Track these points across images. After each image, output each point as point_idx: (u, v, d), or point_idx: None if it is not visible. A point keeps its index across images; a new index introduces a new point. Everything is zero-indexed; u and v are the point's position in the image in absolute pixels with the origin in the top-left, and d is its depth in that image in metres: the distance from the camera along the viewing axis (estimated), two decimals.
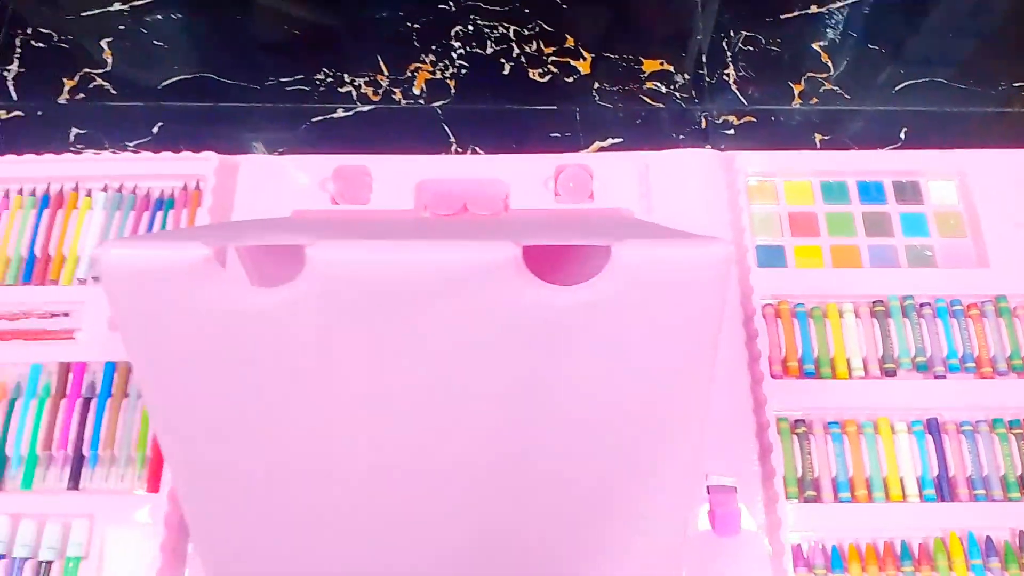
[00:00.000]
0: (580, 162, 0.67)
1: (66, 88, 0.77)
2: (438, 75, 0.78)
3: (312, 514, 0.47)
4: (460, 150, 0.74)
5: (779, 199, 0.68)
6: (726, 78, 0.77)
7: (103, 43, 0.79)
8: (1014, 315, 0.62)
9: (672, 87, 0.77)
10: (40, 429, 0.59)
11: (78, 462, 0.59)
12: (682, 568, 0.51)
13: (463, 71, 0.78)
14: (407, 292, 0.38)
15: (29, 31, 0.79)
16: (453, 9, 0.81)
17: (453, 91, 0.77)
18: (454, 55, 0.78)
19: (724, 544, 0.57)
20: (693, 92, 0.76)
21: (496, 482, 0.44)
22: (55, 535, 0.57)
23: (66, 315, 0.63)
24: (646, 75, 0.78)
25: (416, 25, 0.80)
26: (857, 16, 0.81)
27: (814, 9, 0.81)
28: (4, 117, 0.75)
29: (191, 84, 0.77)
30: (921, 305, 0.62)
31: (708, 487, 0.58)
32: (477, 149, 0.74)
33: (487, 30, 0.79)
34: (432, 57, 0.78)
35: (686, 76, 0.77)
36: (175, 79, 0.77)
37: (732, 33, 0.79)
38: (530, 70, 0.78)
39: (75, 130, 0.74)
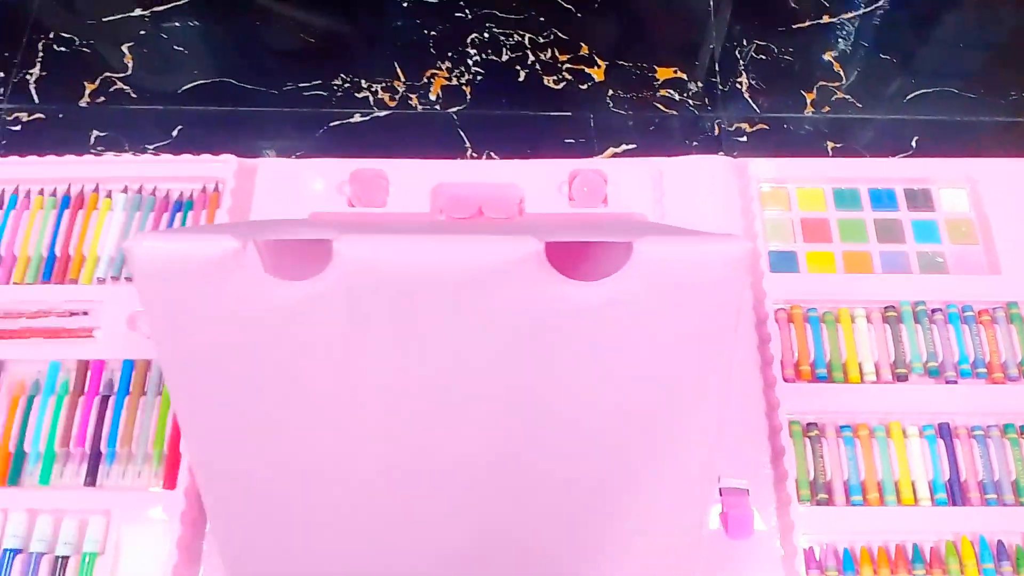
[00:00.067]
0: (594, 167, 0.68)
1: (87, 92, 0.78)
2: (454, 81, 0.79)
3: (329, 511, 0.47)
4: (475, 155, 0.75)
5: (791, 205, 0.68)
6: (739, 86, 0.78)
7: (124, 48, 0.80)
8: None
9: (685, 95, 0.78)
10: (58, 426, 0.60)
11: (95, 459, 0.60)
12: (696, 570, 0.52)
13: (479, 78, 0.79)
14: (431, 285, 0.38)
15: (51, 35, 0.80)
16: (469, 17, 0.82)
17: (469, 97, 0.78)
18: (470, 62, 0.79)
19: (736, 546, 0.57)
20: (706, 100, 0.77)
21: (514, 478, 0.45)
22: (72, 531, 0.57)
23: (85, 314, 0.64)
24: (659, 83, 0.78)
25: (433, 33, 0.81)
26: (868, 27, 0.82)
27: (826, 19, 0.82)
28: (26, 119, 0.76)
29: (210, 89, 0.78)
30: (933, 311, 0.63)
31: (720, 489, 0.58)
32: (492, 154, 0.75)
33: (503, 38, 0.80)
34: (448, 64, 0.79)
35: (699, 84, 0.78)
36: (194, 84, 0.78)
37: (745, 42, 0.80)
38: (545, 77, 0.79)
39: (95, 133, 0.75)
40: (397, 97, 0.78)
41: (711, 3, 0.82)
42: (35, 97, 0.77)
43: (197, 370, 0.41)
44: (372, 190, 0.68)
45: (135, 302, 0.63)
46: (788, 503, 0.56)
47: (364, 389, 0.41)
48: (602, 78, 0.79)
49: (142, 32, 0.81)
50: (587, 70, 0.79)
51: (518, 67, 0.79)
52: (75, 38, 0.80)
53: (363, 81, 0.78)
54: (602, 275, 0.40)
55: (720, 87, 0.78)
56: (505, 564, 0.48)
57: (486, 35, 0.81)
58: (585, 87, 0.78)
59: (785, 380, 0.60)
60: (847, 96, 0.78)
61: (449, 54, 0.80)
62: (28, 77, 0.78)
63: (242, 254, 0.38)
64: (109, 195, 0.68)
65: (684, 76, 0.79)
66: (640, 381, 0.41)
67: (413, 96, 0.78)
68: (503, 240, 0.38)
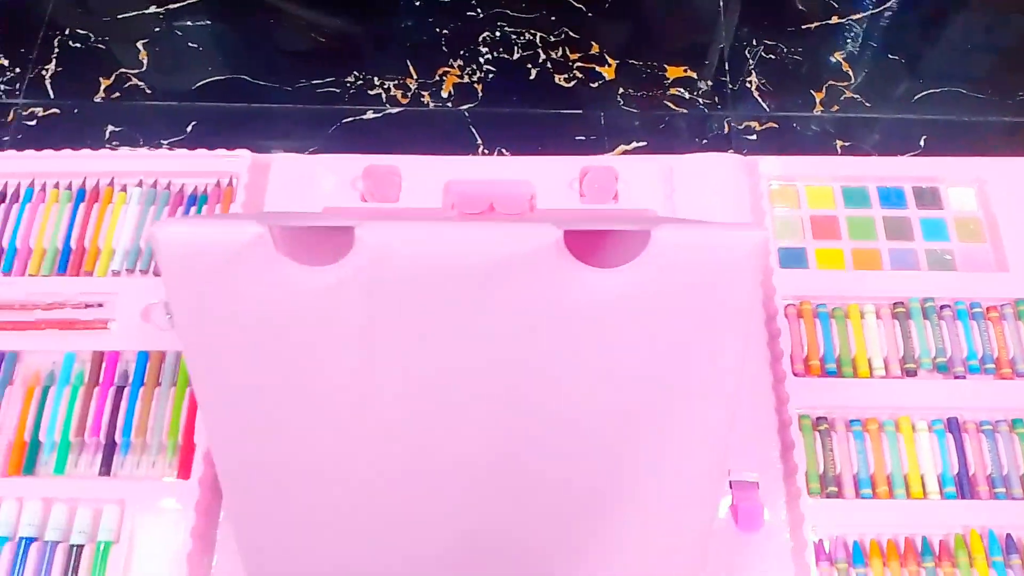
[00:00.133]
0: (605, 164, 0.68)
1: (102, 87, 0.78)
2: (466, 79, 0.79)
3: (346, 499, 0.47)
4: (487, 152, 0.76)
5: (801, 203, 0.69)
6: (748, 85, 0.79)
7: (138, 44, 0.81)
8: None
9: (695, 93, 0.79)
10: (73, 416, 0.60)
11: (110, 449, 0.60)
12: (707, 561, 0.52)
13: (490, 75, 0.79)
14: (452, 271, 0.39)
15: (66, 32, 0.81)
16: (481, 16, 0.83)
17: (480, 95, 0.79)
18: (481, 60, 0.80)
19: (746, 539, 0.58)
20: (716, 98, 0.78)
21: (530, 468, 0.45)
22: (86, 520, 0.57)
23: (100, 306, 0.64)
24: (669, 81, 0.79)
25: (445, 31, 0.82)
26: (876, 28, 0.83)
27: (834, 20, 0.83)
28: (41, 114, 0.77)
29: (224, 85, 0.79)
30: (941, 307, 0.63)
31: (730, 482, 0.59)
32: (504, 151, 0.75)
33: (514, 36, 0.81)
34: (460, 62, 0.80)
35: (709, 83, 0.79)
36: (208, 80, 0.79)
37: (754, 42, 0.81)
38: (556, 75, 0.79)
39: (110, 128, 0.76)
40: (409, 94, 0.78)
41: (720, 4, 0.83)
42: (50, 92, 0.78)
43: (219, 355, 0.41)
44: (385, 186, 0.69)
45: (150, 294, 0.64)
46: (798, 496, 0.57)
47: (384, 373, 0.42)
48: (612, 77, 0.80)
49: (156, 29, 0.82)
50: (598, 69, 0.80)
51: (529, 65, 0.80)
52: (90, 35, 0.81)
53: (375, 78, 0.79)
54: (618, 265, 0.40)
55: (730, 86, 0.79)
56: (523, 553, 0.48)
57: (497, 34, 0.81)
58: (595, 85, 0.79)
59: (795, 375, 0.61)
60: (856, 96, 0.78)
61: (461, 52, 0.81)
62: (44, 73, 0.79)
63: (267, 239, 0.38)
64: (124, 189, 0.69)
65: (694, 75, 0.80)
66: (657, 370, 0.42)
67: (425, 93, 0.79)
68: (523, 227, 0.38)
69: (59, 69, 0.79)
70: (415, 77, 0.79)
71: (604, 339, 0.41)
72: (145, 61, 0.80)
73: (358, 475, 0.46)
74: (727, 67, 0.80)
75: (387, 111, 0.78)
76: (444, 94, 0.79)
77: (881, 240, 0.67)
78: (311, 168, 0.69)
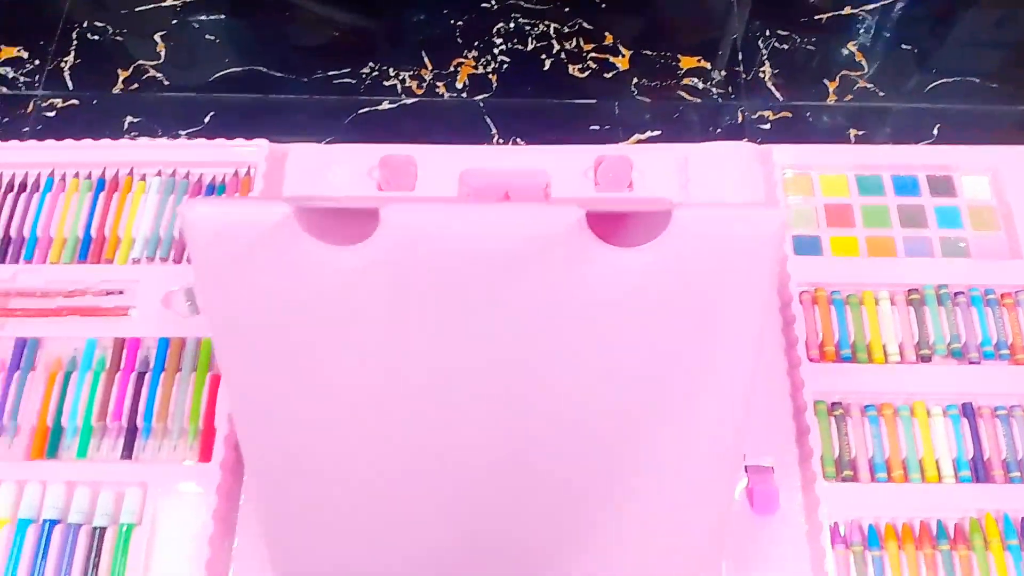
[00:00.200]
0: (620, 153, 0.69)
1: (120, 79, 0.79)
2: (480, 70, 0.80)
3: (367, 485, 0.47)
4: (502, 142, 0.76)
5: (815, 192, 0.69)
6: (761, 75, 0.79)
7: (156, 37, 0.81)
8: None
9: (709, 83, 0.79)
10: (95, 401, 0.61)
11: (131, 433, 0.61)
12: (724, 543, 0.52)
13: (504, 66, 0.80)
14: (477, 252, 0.39)
15: (85, 24, 0.82)
16: (495, 8, 0.83)
17: (495, 85, 0.79)
18: (496, 51, 0.81)
19: (762, 522, 0.58)
20: (729, 88, 0.78)
21: (553, 448, 0.45)
22: (109, 502, 0.58)
23: (120, 293, 0.65)
24: (683, 71, 0.80)
25: (459, 23, 0.82)
26: (888, 18, 0.83)
27: (847, 11, 0.83)
28: (60, 105, 0.78)
29: (241, 77, 0.80)
30: (956, 294, 0.64)
31: (746, 467, 0.59)
32: (518, 141, 0.76)
33: (528, 27, 0.82)
34: (475, 53, 0.81)
35: (722, 73, 0.79)
36: (225, 72, 0.80)
37: (767, 33, 0.81)
38: (570, 66, 0.80)
39: (129, 118, 0.77)
40: (424, 85, 0.79)
41: None
42: (69, 84, 0.79)
43: (246, 333, 0.42)
44: (401, 175, 0.69)
45: (170, 282, 0.64)
46: (813, 480, 0.57)
47: (410, 354, 0.42)
48: (626, 67, 0.80)
49: (173, 22, 0.82)
50: (611, 59, 0.80)
51: (543, 56, 0.81)
52: (108, 27, 0.82)
53: (391, 69, 0.80)
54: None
55: (743, 76, 0.79)
56: (545, 539, 0.49)
57: (512, 25, 0.82)
58: (609, 76, 0.80)
59: (810, 360, 0.61)
60: (869, 85, 0.79)
61: (475, 43, 0.81)
62: (63, 65, 0.80)
63: (294, 220, 0.39)
64: (143, 178, 0.69)
65: (707, 65, 0.80)
66: (679, 349, 0.42)
67: (440, 84, 0.79)
68: (546, 208, 0.39)
69: (78, 61, 0.80)
70: (430, 68, 0.80)
71: (626, 319, 0.41)
72: (162, 53, 0.81)
73: (383, 459, 0.46)
74: (740, 57, 0.80)
75: (402, 101, 0.78)
76: (459, 85, 0.79)
77: (895, 228, 0.67)
78: (328, 158, 0.70)
